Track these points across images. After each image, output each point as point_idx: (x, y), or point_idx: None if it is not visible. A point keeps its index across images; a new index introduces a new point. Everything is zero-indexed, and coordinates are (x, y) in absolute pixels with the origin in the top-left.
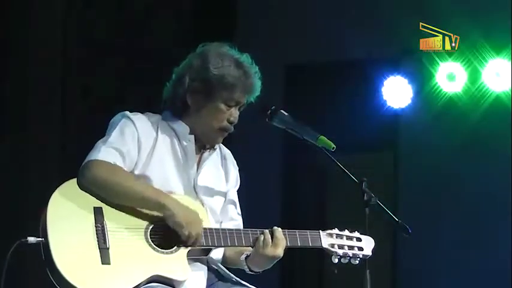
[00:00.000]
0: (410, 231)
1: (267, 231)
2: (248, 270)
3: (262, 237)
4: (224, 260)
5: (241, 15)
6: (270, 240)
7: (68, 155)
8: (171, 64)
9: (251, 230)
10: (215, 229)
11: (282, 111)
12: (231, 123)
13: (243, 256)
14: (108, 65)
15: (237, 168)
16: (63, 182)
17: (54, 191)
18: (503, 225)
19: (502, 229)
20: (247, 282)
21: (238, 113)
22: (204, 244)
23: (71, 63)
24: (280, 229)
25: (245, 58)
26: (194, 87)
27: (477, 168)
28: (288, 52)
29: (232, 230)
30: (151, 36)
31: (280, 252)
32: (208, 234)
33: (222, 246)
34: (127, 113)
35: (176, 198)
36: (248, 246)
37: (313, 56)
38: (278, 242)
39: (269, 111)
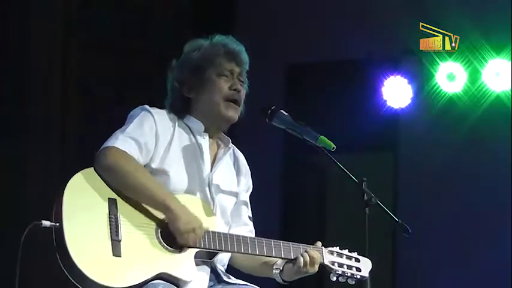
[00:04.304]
0: (410, 231)
1: (306, 255)
2: (282, 281)
3: (301, 259)
4: (243, 267)
5: (241, 15)
6: (309, 260)
7: (67, 155)
8: (171, 64)
9: (265, 240)
10: (229, 234)
11: (281, 111)
12: (234, 90)
13: (276, 271)
14: (108, 65)
15: (249, 173)
16: (63, 181)
17: (73, 175)
18: (503, 225)
19: (502, 229)
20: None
21: (238, 82)
22: (218, 248)
23: (71, 63)
24: (310, 249)
25: (217, 37)
26: (186, 80)
27: (477, 168)
28: (288, 52)
29: (246, 237)
30: (151, 36)
31: (317, 268)
32: (230, 240)
33: (242, 253)
34: (146, 106)
35: (188, 198)
36: (259, 256)
37: (313, 56)
38: (315, 260)
39: (269, 111)
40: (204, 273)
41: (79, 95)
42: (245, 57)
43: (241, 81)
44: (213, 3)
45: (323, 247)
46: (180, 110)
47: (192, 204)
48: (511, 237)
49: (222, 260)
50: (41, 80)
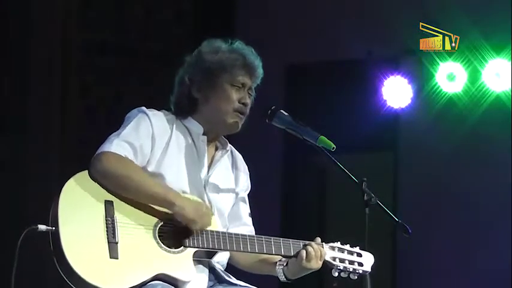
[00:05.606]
0: (410, 231)
1: (310, 247)
2: (285, 279)
3: (304, 252)
4: (244, 266)
5: (240, 16)
6: (314, 253)
7: (67, 155)
8: (171, 64)
9: (265, 238)
10: (228, 233)
11: (281, 111)
12: (242, 103)
13: (280, 267)
14: (108, 65)
15: (248, 173)
16: (63, 182)
17: (67, 180)
18: (503, 225)
19: (502, 229)
20: (248, 284)
21: (248, 96)
22: (217, 247)
23: (71, 63)
24: (314, 243)
25: (238, 44)
26: (197, 80)
27: (477, 168)
28: (288, 52)
29: (245, 235)
30: (151, 37)
31: (321, 263)
32: (229, 239)
33: (245, 251)
34: (144, 108)
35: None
36: (265, 254)
37: (313, 56)
38: (320, 254)
39: (269, 111)
40: (203, 273)
41: (79, 95)
42: (260, 72)
43: (250, 94)
44: (213, 3)
45: (323, 243)
46: (185, 108)
47: None
48: (511, 237)
49: (222, 260)
50: (41, 80)
